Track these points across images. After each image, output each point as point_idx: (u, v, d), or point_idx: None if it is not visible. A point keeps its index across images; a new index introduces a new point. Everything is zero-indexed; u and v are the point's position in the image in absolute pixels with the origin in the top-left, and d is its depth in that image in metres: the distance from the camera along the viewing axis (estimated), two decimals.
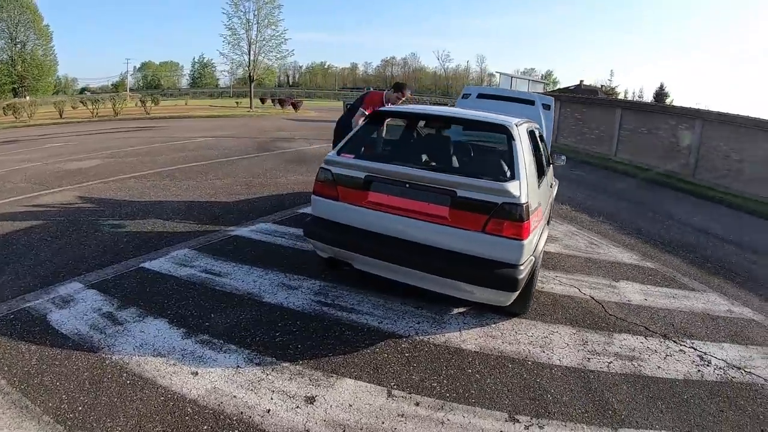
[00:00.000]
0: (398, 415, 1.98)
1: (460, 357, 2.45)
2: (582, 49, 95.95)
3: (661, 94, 42.98)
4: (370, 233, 2.74)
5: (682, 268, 4.14)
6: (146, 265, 3.31)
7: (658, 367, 2.39)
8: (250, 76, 26.48)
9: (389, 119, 3.60)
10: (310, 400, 2.03)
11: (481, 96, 5.30)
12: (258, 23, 25.33)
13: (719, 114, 10.12)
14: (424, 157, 2.91)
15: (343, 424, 1.90)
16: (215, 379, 2.11)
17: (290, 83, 70.66)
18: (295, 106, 24.93)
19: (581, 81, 37.07)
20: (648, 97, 44.58)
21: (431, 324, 2.77)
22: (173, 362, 2.22)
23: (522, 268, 2.39)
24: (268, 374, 2.18)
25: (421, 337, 2.61)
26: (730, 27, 78.40)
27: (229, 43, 25.87)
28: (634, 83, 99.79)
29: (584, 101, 16.16)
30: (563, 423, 1.97)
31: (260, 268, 3.38)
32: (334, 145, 3.35)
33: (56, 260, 3.35)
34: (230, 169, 7.33)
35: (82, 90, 56.45)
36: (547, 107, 4.96)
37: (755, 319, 3.18)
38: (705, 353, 2.58)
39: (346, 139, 3.06)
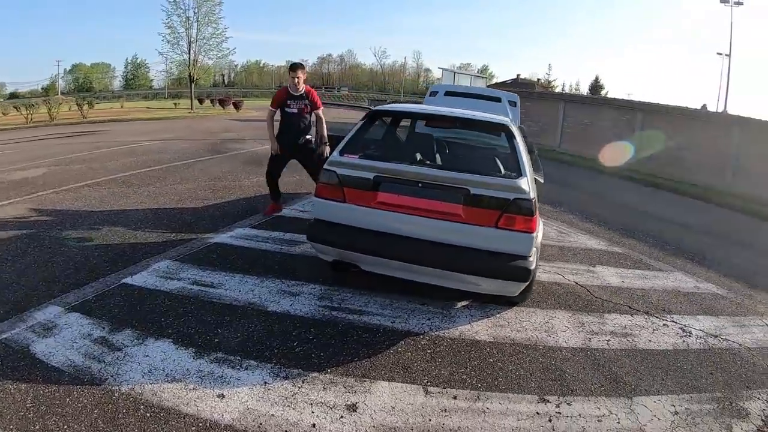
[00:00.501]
0: (441, 411, 2.02)
1: (477, 348, 2.55)
2: (516, 44, 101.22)
3: (596, 86, 46.31)
4: (380, 234, 2.73)
5: (646, 251, 4.62)
6: (128, 280, 3.00)
7: (650, 340, 2.70)
8: (190, 75, 25.09)
9: (380, 117, 3.60)
10: (352, 408, 2.00)
11: (448, 93, 5.42)
12: (198, 21, 24.10)
13: (658, 105, 11.35)
14: (437, 157, 2.96)
15: (393, 427, 1.90)
16: (245, 399, 2.00)
17: (225, 83, 66.97)
18: (237, 106, 24.12)
19: (518, 75, 39.34)
20: (584, 90, 48.13)
21: (441, 319, 2.85)
22: (193, 386, 2.05)
23: (531, 259, 2.55)
24: (300, 387, 2.11)
25: (436, 333, 2.68)
26: (652, 22, 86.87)
27: (168, 42, 24.41)
28: (571, 77, 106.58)
29: (528, 95, 17.24)
30: (587, 398, 2.16)
31: (253, 276, 3.22)
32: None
33: (24, 282, 2.92)
34: (188, 173, 6.86)
35: (12, 95, 49.60)
36: (513, 104, 5.20)
37: (719, 293, 3.67)
38: (685, 326, 2.95)
39: (347, 138, 3.01)
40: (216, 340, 2.42)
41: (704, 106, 33.80)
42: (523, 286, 2.62)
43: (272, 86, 65.07)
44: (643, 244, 4.88)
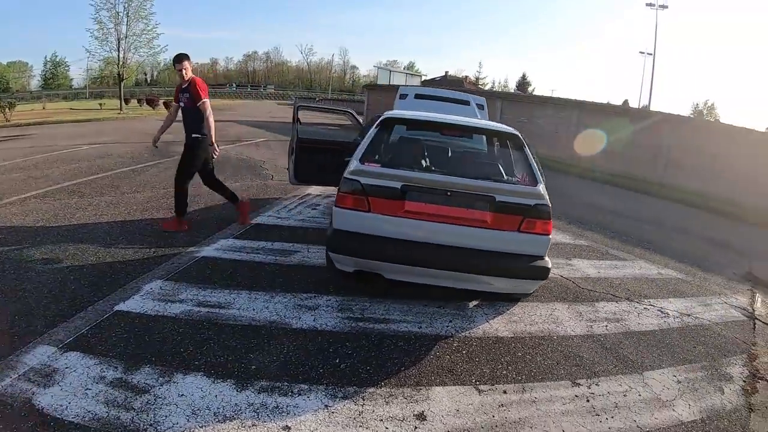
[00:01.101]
0: (499, 406, 2.15)
1: (503, 344, 2.73)
2: (444, 41, 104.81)
3: (523, 83, 49.38)
4: (408, 242, 2.76)
5: (608, 243, 5.24)
6: (122, 307, 2.61)
7: (639, 323, 3.15)
8: (119, 74, 22.56)
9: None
10: (421, 417, 2.03)
11: (418, 96, 5.54)
12: (128, 16, 22.03)
13: (593, 103, 12.70)
14: (454, 165, 3.05)
15: (465, 428, 1.98)
16: (314, 426, 1.90)
17: (148, 81, 59.93)
18: (168, 106, 21.90)
19: (446, 72, 40.69)
20: (512, 87, 50.73)
21: (462, 320, 2.98)
22: (251, 422, 1.88)
23: (547, 259, 2.80)
24: (362, 405, 2.06)
25: (463, 334, 2.80)
26: (579, 22, 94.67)
27: (96, 39, 21.77)
28: (500, 74, 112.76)
29: (474, 93, 18.17)
30: (608, 378, 2.46)
31: (260, 291, 3.02)
32: None
33: None
34: (141, 179, 6.16)
35: None
36: (480, 107, 5.44)
37: (680, 277, 4.33)
38: (662, 308, 3.47)
39: (365, 147, 2.96)
40: (253, 366, 2.24)
41: (626, 102, 38.39)
42: (541, 284, 2.86)
43: None
44: (604, 236, 5.52)
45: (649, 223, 7.15)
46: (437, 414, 2.05)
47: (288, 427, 1.88)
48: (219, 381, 2.10)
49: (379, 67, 24.17)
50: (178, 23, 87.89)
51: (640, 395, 2.33)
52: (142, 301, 2.71)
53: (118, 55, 22.22)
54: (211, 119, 4.01)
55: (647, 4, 25.99)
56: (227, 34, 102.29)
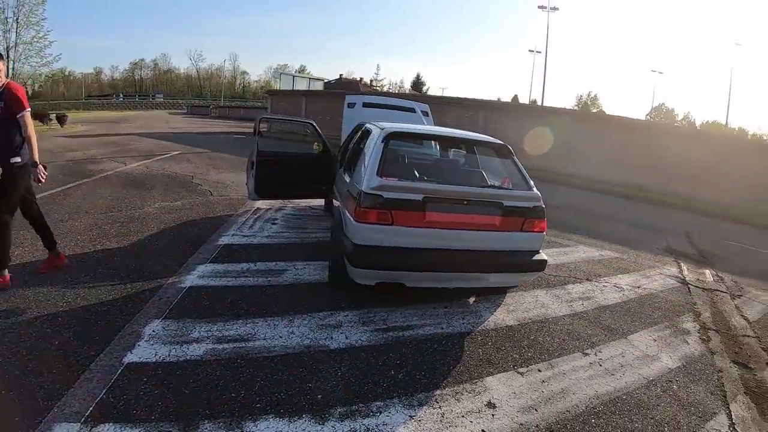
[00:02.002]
0: (542, 382, 2.45)
1: (514, 331, 3.05)
2: (334, 43, 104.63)
3: (418, 83, 51.66)
4: (429, 250, 2.90)
5: (548, 232, 5.91)
6: (131, 358, 2.19)
7: (605, 298, 3.79)
8: None
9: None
10: (491, 405, 2.20)
11: (366, 105, 5.71)
12: (17, 23, 18.90)
13: (498, 102, 14.08)
14: (459, 175, 3.25)
15: (530, 405, 2.23)
16: None
17: (29, 94, 47.61)
18: (61, 121, 18.84)
19: (341, 75, 41.11)
20: (407, 87, 52.83)
21: (473, 316, 3.22)
22: None
23: (542, 252, 3.22)
24: (439, 407, 2.14)
25: (480, 328, 3.04)
26: (469, 21, 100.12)
27: None
28: (396, 75, 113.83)
29: (373, 95, 18.83)
30: (605, 345, 2.96)
31: (276, 317, 2.84)
32: None
33: None
34: (70, 204, 5.13)
35: None
36: (425, 114, 5.87)
37: (618, 256, 5.21)
38: (616, 284, 4.20)
39: (379, 161, 2.99)
40: (319, 396, 2.12)
41: (515, 98, 42.89)
42: (537, 275, 3.26)
43: (82, 97, 54.27)
44: None
45: (573, 210, 8.30)
46: (502, 400, 2.25)
47: None
48: (295, 419, 1.95)
49: (282, 74, 23.68)
50: (61, 30, 73.19)
51: (633, 354, 2.87)
52: (152, 347, 2.31)
53: (8, 66, 17.96)
54: (33, 135, 2.97)
55: (539, 7, 27.07)
56: (111, 42, 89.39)
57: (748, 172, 11.52)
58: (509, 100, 40.47)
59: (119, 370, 2.09)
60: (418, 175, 3.15)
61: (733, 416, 2.30)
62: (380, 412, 2.05)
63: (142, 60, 70.56)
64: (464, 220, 2.96)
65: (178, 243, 4.01)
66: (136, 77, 70.08)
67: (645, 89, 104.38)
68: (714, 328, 3.41)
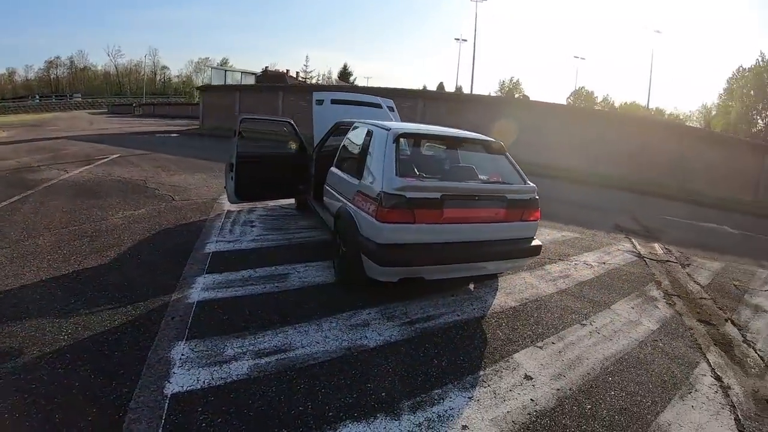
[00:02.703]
0: (559, 353, 2.77)
1: (519, 311, 3.33)
2: (257, 35, 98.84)
3: (345, 74, 51.44)
4: (447, 244, 3.05)
5: None
6: (173, 389, 2.03)
7: (580, 275, 4.26)
8: None
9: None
10: (528, 378, 2.46)
11: (334, 102, 5.61)
12: None
13: (434, 92, 14.42)
14: (463, 172, 3.41)
15: (559, 373, 2.54)
16: (480, 415, 2.09)
17: None
18: None
19: (266, 67, 38.84)
20: (335, 78, 51.94)
21: (479, 302, 3.45)
22: None
23: (536, 239, 3.53)
24: (489, 385, 2.34)
25: (490, 312, 3.28)
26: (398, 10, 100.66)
27: None
28: (323, 66, 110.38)
29: (306, 89, 18.32)
30: (595, 315, 3.37)
31: (303, 323, 2.80)
32: None
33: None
34: (22, 219, 4.48)
35: None
36: (391, 109, 5.90)
37: (579, 236, 5.78)
38: (585, 261, 4.71)
39: (395, 162, 3.04)
40: (383, 393, 2.18)
41: (440, 85, 44.45)
42: (533, 259, 3.57)
43: None
44: None
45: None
46: (534, 372, 2.51)
47: (466, 426, 2.02)
48: (371, 420, 1.99)
49: (213, 68, 22.12)
50: None
51: (620, 321, 3.32)
52: (189, 372, 2.15)
53: None
54: None
55: None
56: (24, 40, 76.01)
57: (671, 151, 13.37)
58: (435, 89, 42.24)
59: (166, 405, 1.93)
60: (433, 174, 3.26)
61: (711, 363, 2.81)
62: (442, 399, 2.18)
63: (58, 58, 64.63)
64: (475, 214, 3.15)
65: (162, 255, 3.67)
66: (51, 77, 64.68)
67: (568, 74, 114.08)
68: (675, 293, 4.04)
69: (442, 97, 15.56)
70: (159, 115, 35.31)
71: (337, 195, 3.71)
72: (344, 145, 4.03)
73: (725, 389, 2.52)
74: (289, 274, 3.55)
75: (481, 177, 3.64)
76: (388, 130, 3.29)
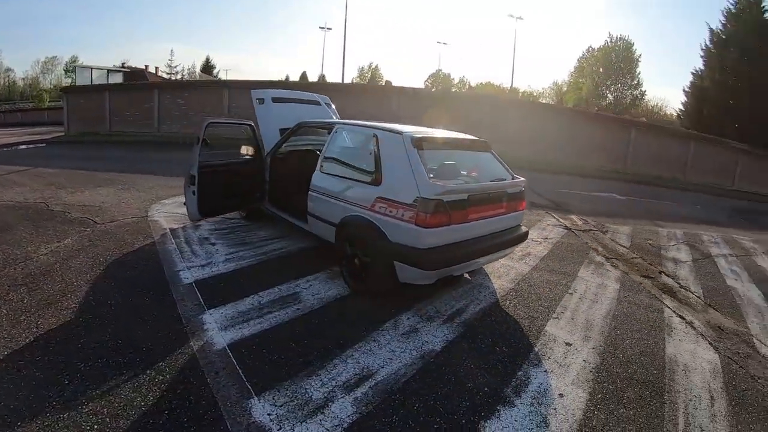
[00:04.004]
0: (572, 319, 3.23)
1: (520, 291, 3.73)
2: (101, 29, 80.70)
3: (208, 67, 47.22)
4: (472, 240, 3.22)
5: None
6: None
7: (538, 251, 4.93)
8: None
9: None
10: (569, 344, 2.86)
11: (275, 100, 5.23)
12: None
13: (240, 82, 14.06)
14: (475, 172, 3.55)
15: (585, 336, 2.98)
16: (561, 372, 2.33)
17: None
18: None
19: (123, 63, 33.44)
20: (198, 71, 48.03)
21: (485, 289, 3.73)
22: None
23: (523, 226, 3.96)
24: (549, 357, 2.65)
25: (500, 296, 3.59)
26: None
27: None
28: (188, 60, 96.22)
29: (185, 85, 16.26)
30: (572, 283, 3.98)
31: (357, 344, 2.64)
32: None
33: None
34: None
35: None
36: (328, 105, 5.76)
37: None
38: (532, 239, 5.39)
39: (423, 167, 3.04)
40: (485, 388, 2.28)
41: (303, 75, 44.07)
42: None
43: None
44: None
45: None
46: (569, 339, 2.93)
47: (561, 394, 2.30)
48: (497, 414, 2.09)
49: (78, 67, 17.53)
50: None
51: (595, 286, 4.00)
52: (291, 425, 1.81)
53: None
54: None
55: None
56: None
57: (549, 129, 15.41)
58: (298, 79, 42.13)
59: None
60: (451, 176, 3.34)
61: (671, 308, 3.66)
62: (530, 378, 2.42)
63: None
64: (489, 210, 3.39)
65: (135, 294, 2.92)
66: None
67: (432, 60, 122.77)
68: (612, 257, 5.02)
69: (296, 87, 15.40)
70: (11, 124, 29.55)
71: (335, 202, 3.50)
72: (333, 150, 3.79)
73: (690, 324, 3.35)
74: (299, 293, 3.24)
75: (462, 172, 3.88)
76: (400, 134, 3.26)
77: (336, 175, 3.66)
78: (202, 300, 2.95)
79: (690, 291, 4.13)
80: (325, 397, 2.09)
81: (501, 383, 2.33)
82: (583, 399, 2.27)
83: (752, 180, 15.84)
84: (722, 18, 20.16)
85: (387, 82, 47.03)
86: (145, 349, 2.34)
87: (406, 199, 2.97)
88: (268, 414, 1.95)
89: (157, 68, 40.55)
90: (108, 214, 4.92)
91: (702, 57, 20.63)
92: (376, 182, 3.22)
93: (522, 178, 3.79)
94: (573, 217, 7.09)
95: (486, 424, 2.00)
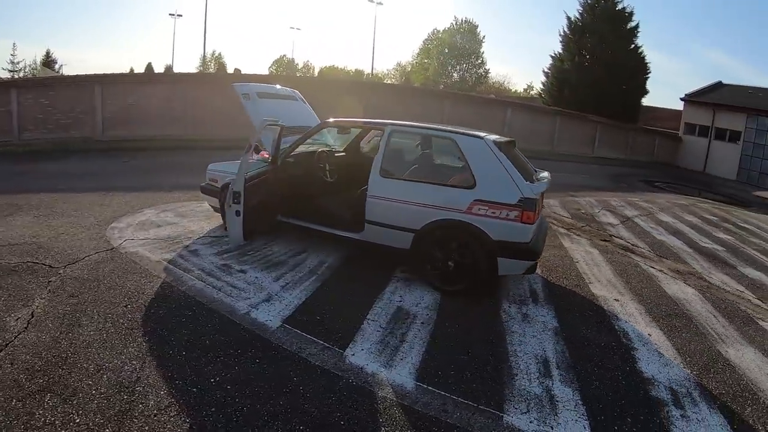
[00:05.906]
0: (598, 281, 4.12)
1: (547, 266, 4.41)
2: None
3: (48, 61, 39.07)
4: (542, 233, 3.81)
5: None
6: None
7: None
8: None
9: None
10: (617, 300, 3.70)
11: (261, 96, 4.71)
12: None
13: (116, 75, 12.04)
14: None
15: (620, 292, 3.85)
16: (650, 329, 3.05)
17: None
18: None
19: None
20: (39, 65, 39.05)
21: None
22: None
23: None
24: (621, 310, 3.39)
25: (540, 273, 4.17)
26: None
27: None
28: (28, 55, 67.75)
29: (48, 83, 12.32)
30: (571, 252, 4.88)
31: (508, 336, 2.88)
32: None
33: None
34: None
35: None
36: (302, 100, 5.40)
37: None
38: None
39: (516, 169, 3.30)
40: (603, 342, 2.83)
41: (149, 66, 38.69)
42: None
43: None
44: None
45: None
46: (614, 295, 3.76)
47: (650, 333, 3.02)
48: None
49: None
50: None
51: (584, 253, 4.98)
52: None
53: None
54: None
55: None
56: None
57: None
58: (144, 70, 36.81)
59: None
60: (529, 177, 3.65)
61: (639, 261, 4.90)
62: (627, 333, 3.12)
63: None
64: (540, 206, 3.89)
65: (236, 365, 2.35)
66: None
67: (286, 46, 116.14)
68: (569, 227, 6.19)
69: (125, 80, 13.12)
70: None
71: (415, 208, 3.47)
72: (394, 154, 3.70)
73: (661, 271, 4.60)
74: (403, 307, 3.19)
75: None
76: (481, 138, 3.43)
77: (408, 180, 3.64)
78: (327, 344, 2.60)
79: (639, 247, 5.56)
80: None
81: (613, 338, 3.01)
82: (660, 334, 3.14)
83: (609, 147, 18.85)
84: (579, 8, 23.37)
85: (236, 70, 43.03)
86: None
87: (509, 200, 3.22)
88: None
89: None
90: (58, 253, 3.56)
91: (561, 42, 23.78)
92: (470, 186, 3.34)
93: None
94: None
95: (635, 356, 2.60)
